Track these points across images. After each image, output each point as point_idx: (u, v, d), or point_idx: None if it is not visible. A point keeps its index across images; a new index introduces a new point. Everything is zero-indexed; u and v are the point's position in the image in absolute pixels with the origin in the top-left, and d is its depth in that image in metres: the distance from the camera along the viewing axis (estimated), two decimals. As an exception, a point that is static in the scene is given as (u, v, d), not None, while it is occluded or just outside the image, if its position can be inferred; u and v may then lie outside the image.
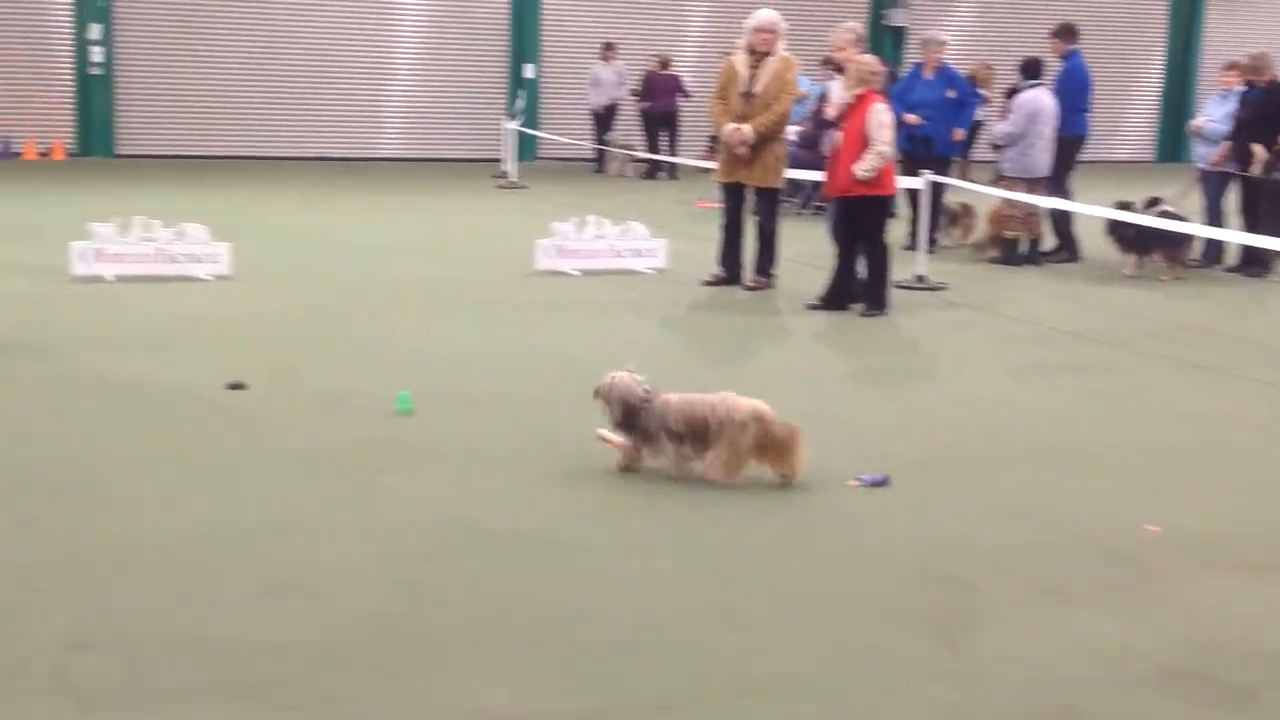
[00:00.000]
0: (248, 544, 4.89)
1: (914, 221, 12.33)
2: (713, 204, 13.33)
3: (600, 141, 22.92)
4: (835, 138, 10.10)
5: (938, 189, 12.19)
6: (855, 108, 9.85)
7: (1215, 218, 13.05)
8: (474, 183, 20.03)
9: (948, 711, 3.78)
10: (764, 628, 4.30)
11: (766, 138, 10.62)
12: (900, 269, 10.79)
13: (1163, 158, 29.08)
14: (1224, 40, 28.20)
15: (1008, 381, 8.03)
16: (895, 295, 10.26)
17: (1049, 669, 4.05)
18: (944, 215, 13.66)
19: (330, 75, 23.92)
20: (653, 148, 22.15)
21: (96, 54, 22.34)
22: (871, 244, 9.99)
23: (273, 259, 11.63)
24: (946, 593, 4.62)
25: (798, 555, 4.97)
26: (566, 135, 22.16)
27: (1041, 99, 12.85)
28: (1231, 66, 13.48)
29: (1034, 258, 13.04)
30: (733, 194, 11.03)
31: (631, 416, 5.71)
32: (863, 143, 9.73)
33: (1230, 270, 12.92)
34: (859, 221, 9.99)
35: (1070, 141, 13.22)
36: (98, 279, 10.30)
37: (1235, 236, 11.33)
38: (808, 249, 12.10)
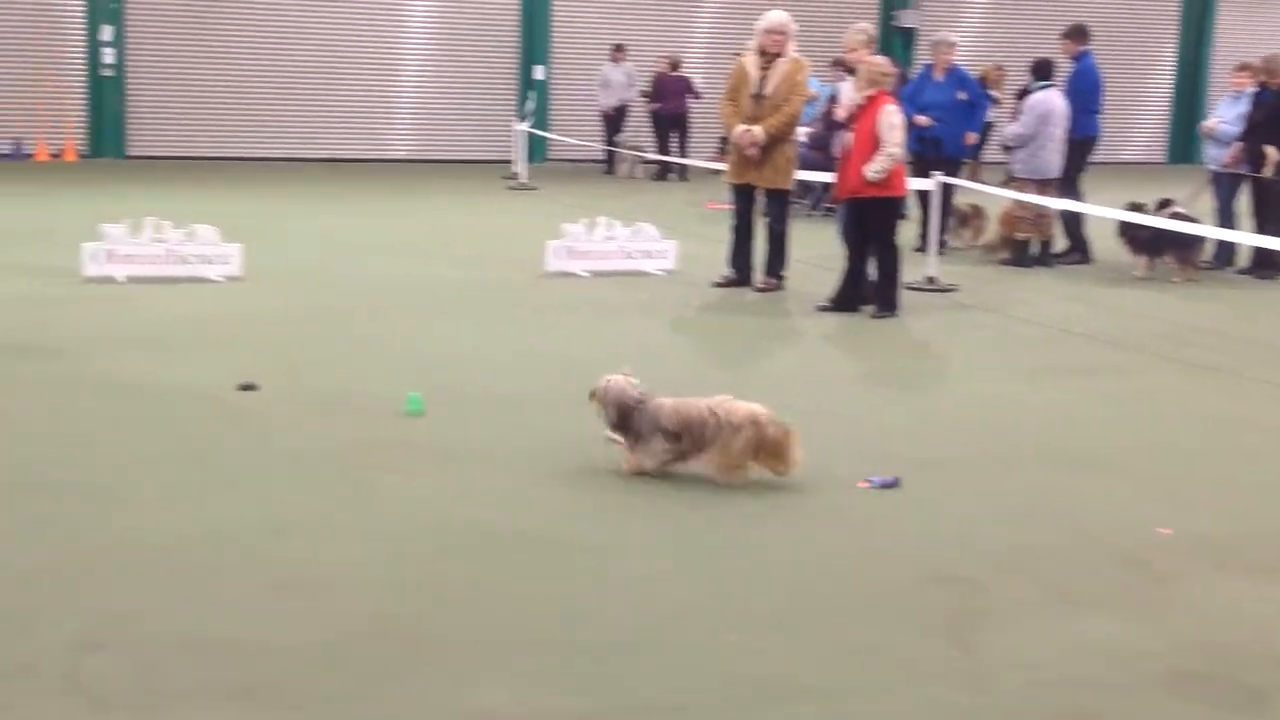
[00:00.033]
0: (253, 544, 4.90)
1: (924, 223, 12.31)
2: (723, 205, 13.33)
3: (610, 143, 22.92)
4: (846, 139, 10.09)
5: (948, 190, 12.18)
6: (866, 109, 9.84)
7: (1227, 219, 13.01)
8: (484, 184, 20.04)
9: (956, 713, 3.77)
10: (770, 628, 4.30)
11: (777, 139, 10.62)
12: (911, 270, 10.78)
13: (1174, 159, 29.01)
14: (1236, 41, 28.13)
15: (1018, 383, 8.01)
16: (906, 297, 10.25)
17: (1059, 671, 4.04)
18: (954, 217, 13.65)
19: (341, 76, 23.96)
20: (663, 149, 22.14)
21: (108, 55, 22.40)
22: (882, 245, 9.98)
23: (283, 260, 11.65)
24: (956, 594, 4.62)
25: (806, 556, 4.96)
26: (576, 137, 22.16)
27: (1052, 100, 12.83)
28: (1243, 68, 13.44)
29: (1045, 259, 13.02)
30: (743, 195, 11.03)
31: (626, 419, 5.74)
32: (873, 144, 9.72)
33: (1242, 272, 12.88)
34: (869, 223, 9.98)
35: (1081, 143, 13.20)
36: (109, 280, 10.32)
37: (1247, 238, 11.29)
38: (818, 251, 12.09)
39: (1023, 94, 14.37)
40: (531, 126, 21.19)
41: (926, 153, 12.93)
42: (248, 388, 7.08)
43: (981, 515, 5.47)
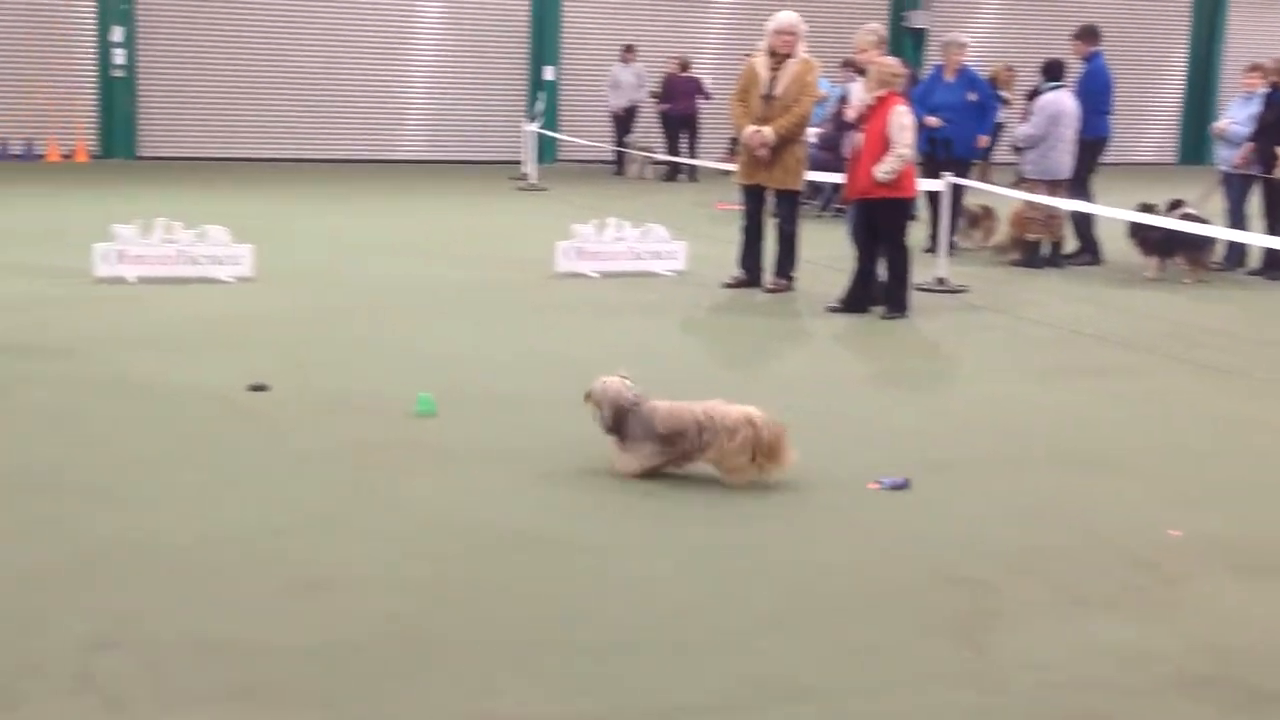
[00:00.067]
0: (262, 544, 4.91)
1: (934, 224, 12.30)
2: (733, 206, 13.34)
3: (620, 144, 22.93)
4: (856, 140, 10.09)
5: (958, 191, 12.16)
6: (876, 110, 9.83)
7: (1238, 220, 12.99)
8: (494, 185, 20.06)
9: (967, 714, 3.77)
10: (777, 629, 4.29)
11: (787, 140, 10.62)
12: (921, 271, 10.77)
13: (1185, 160, 28.96)
14: (1247, 42, 28.08)
15: (1029, 384, 8.00)
16: (916, 298, 10.24)
17: (1069, 672, 4.03)
18: (964, 217, 13.64)
19: (351, 77, 24.01)
20: (672, 150, 22.15)
21: (119, 56, 22.46)
22: (892, 246, 9.97)
23: (294, 261, 11.67)
24: (967, 595, 4.61)
25: (815, 556, 4.96)
26: (586, 137, 22.18)
27: (1063, 101, 12.81)
28: (1255, 68, 13.41)
29: (1055, 260, 13.00)
30: (753, 196, 11.03)
31: (620, 421, 5.75)
32: (883, 145, 9.71)
33: (1253, 273, 12.86)
34: (879, 224, 9.97)
35: (1092, 143, 13.18)
36: (120, 280, 10.35)
37: (1258, 239, 11.27)
38: (828, 251, 12.09)
39: (1033, 95, 14.34)
40: (541, 127, 21.20)
41: (936, 154, 12.91)
42: (258, 388, 7.10)
43: (992, 516, 5.46)
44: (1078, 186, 13.00)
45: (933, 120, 12.91)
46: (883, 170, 9.69)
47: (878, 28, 11.81)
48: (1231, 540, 5.27)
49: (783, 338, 9.57)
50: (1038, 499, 5.72)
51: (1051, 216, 12.65)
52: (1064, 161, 12.78)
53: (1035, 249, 12.90)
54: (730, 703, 3.79)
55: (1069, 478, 6.06)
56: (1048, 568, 4.89)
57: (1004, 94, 17.88)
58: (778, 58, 10.66)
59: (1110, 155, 14.19)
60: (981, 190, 12.83)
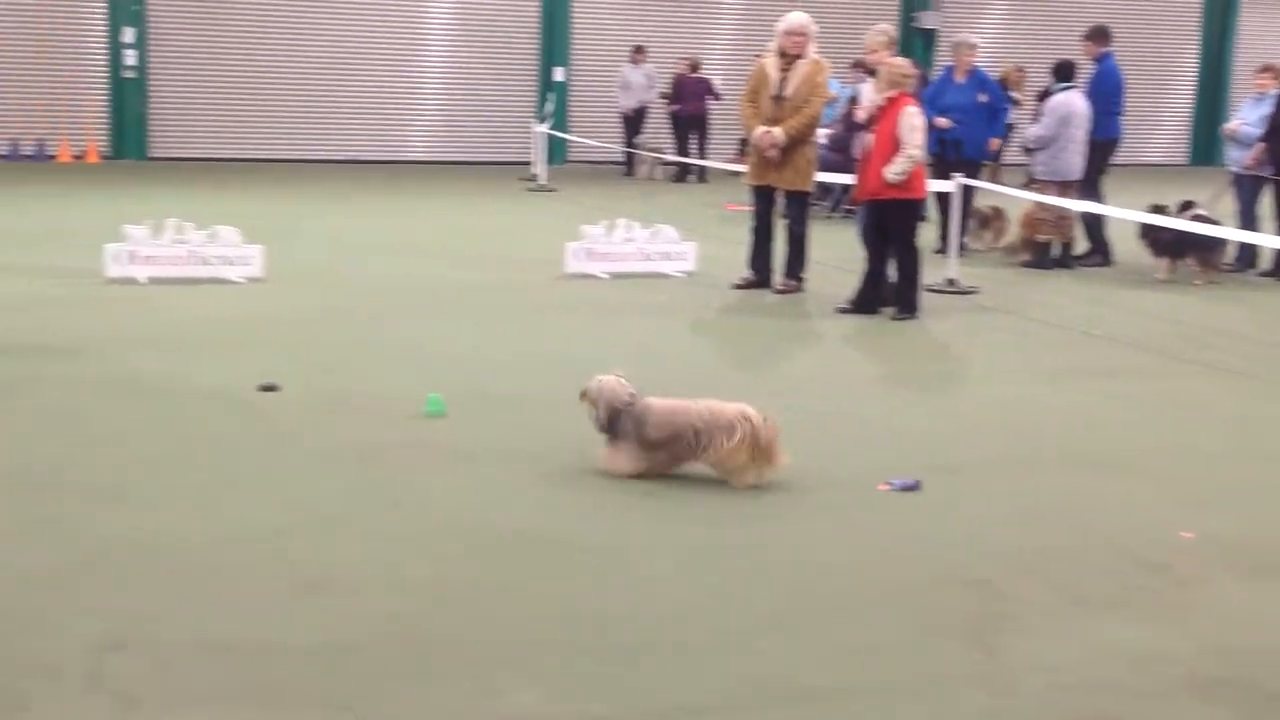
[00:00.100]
0: (271, 544, 4.92)
1: (944, 225, 12.28)
2: (742, 207, 13.33)
3: (630, 144, 22.93)
4: (866, 140, 10.08)
5: (968, 192, 12.14)
6: (887, 110, 9.82)
7: (1249, 222, 12.96)
8: (503, 186, 20.08)
9: (975, 717, 3.76)
10: (784, 630, 4.28)
11: (797, 141, 10.61)
12: (931, 272, 10.76)
13: (1196, 161, 28.90)
14: (1258, 42, 28.03)
15: (1039, 385, 7.99)
16: (926, 299, 10.23)
17: (1080, 674, 4.02)
18: (975, 219, 13.62)
19: (361, 78, 24.04)
20: (682, 150, 22.15)
21: (130, 57, 22.52)
22: (902, 247, 9.96)
23: (304, 261, 11.69)
24: (977, 596, 4.60)
25: (823, 557, 4.95)
26: (596, 138, 22.19)
27: (1074, 102, 12.79)
28: (1266, 69, 13.38)
29: (1066, 261, 12.98)
30: (763, 197, 11.02)
31: (615, 419, 5.75)
32: (894, 146, 9.70)
33: (1264, 275, 12.82)
34: (889, 225, 9.96)
35: (1103, 144, 13.15)
36: (131, 281, 10.37)
37: (1269, 241, 11.23)
38: (838, 252, 12.08)
39: (1044, 95, 14.33)
40: (551, 128, 21.22)
41: (946, 155, 12.90)
42: (268, 388, 7.11)
43: (1001, 517, 5.45)
44: (1088, 187, 12.97)
45: (943, 121, 12.90)
46: (893, 171, 9.68)
47: (888, 28, 11.80)
48: (1243, 542, 5.25)
49: (792, 339, 9.57)
50: (1048, 500, 5.71)
51: (1062, 218, 12.62)
52: (1075, 162, 12.75)
53: (1046, 250, 12.88)
54: (731, 703, 3.79)
55: (1079, 479, 6.05)
56: (1058, 569, 4.87)
57: (1014, 95, 17.85)
58: (788, 58, 10.65)
59: (1121, 156, 14.16)
60: (992, 191, 12.81)
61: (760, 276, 11.04)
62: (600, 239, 11.60)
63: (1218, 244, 11.88)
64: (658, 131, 23.18)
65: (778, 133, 10.52)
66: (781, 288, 10.90)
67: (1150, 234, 12.14)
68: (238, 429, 6.46)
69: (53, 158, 22.12)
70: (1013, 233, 13.47)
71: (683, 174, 21.98)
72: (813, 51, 10.69)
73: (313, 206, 16.92)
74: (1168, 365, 8.74)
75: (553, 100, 23.48)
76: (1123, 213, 11.55)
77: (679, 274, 11.65)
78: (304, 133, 23.79)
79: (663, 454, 5.73)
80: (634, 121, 23.07)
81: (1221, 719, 3.81)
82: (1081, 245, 13.17)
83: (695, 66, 22.79)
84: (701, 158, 21.76)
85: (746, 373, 8.44)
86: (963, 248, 12.10)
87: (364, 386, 7.33)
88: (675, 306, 10.23)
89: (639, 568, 4.80)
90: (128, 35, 22.46)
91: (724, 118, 22.21)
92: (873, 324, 9.80)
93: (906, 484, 5.75)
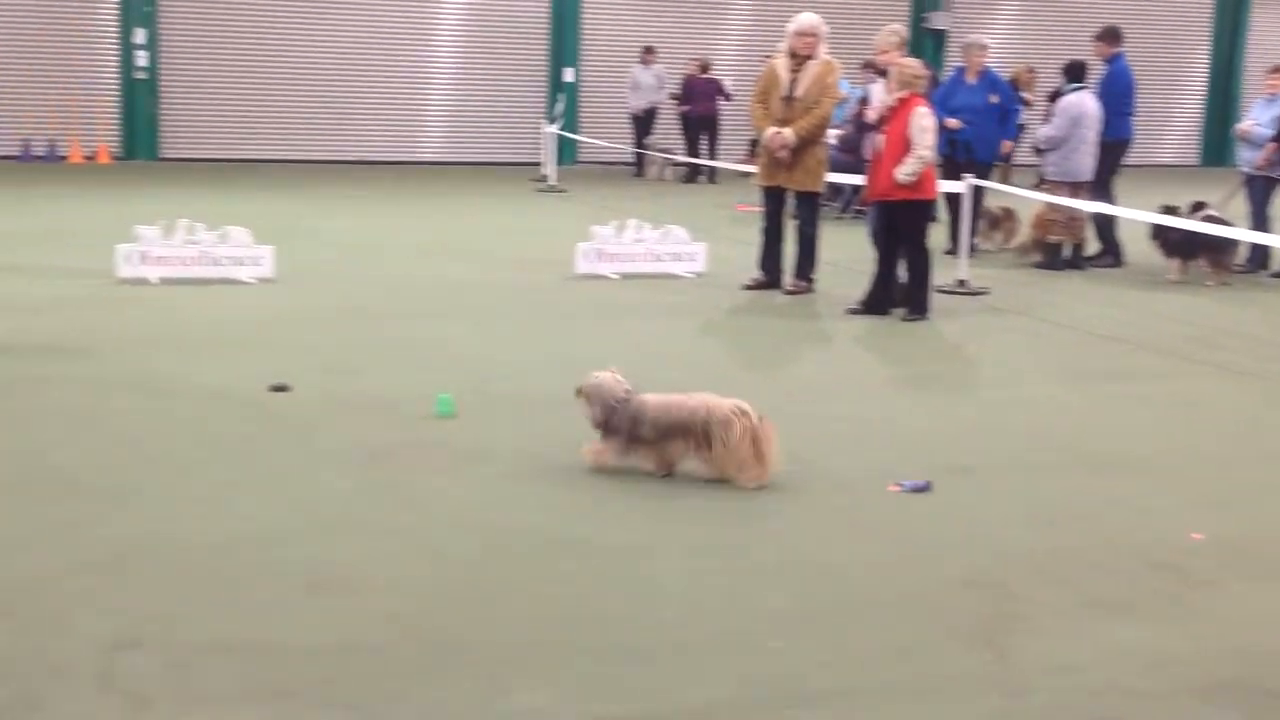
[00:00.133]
0: (283, 545, 4.92)
1: (955, 226, 12.27)
2: (753, 208, 13.32)
3: (640, 145, 22.94)
4: (876, 141, 10.07)
5: (979, 193, 12.13)
6: (897, 111, 9.81)
7: (1261, 222, 12.92)
8: (513, 186, 20.09)
9: (987, 718, 3.75)
10: (795, 631, 4.28)
11: (807, 141, 10.60)
12: (942, 273, 10.74)
13: (1207, 161, 28.84)
14: (1270, 43, 27.95)
15: (1050, 387, 7.98)
16: (936, 300, 10.22)
17: (1093, 676, 4.02)
18: (985, 219, 13.60)
19: (372, 79, 24.08)
20: (692, 151, 22.15)
21: (141, 58, 22.58)
22: (912, 248, 9.95)
23: (315, 262, 11.71)
24: (989, 598, 4.59)
25: (834, 559, 4.95)
26: (606, 139, 22.19)
27: (1085, 102, 12.77)
28: (1277, 70, 13.34)
29: (1077, 262, 12.96)
30: (773, 198, 11.02)
31: (609, 416, 5.75)
32: (904, 146, 9.69)
33: (1276, 275, 12.79)
34: (900, 226, 9.95)
35: (1114, 145, 13.14)
36: (142, 281, 10.40)
37: (1281, 241, 11.21)
38: (848, 253, 12.07)
39: (1055, 96, 14.31)
40: (561, 129, 21.23)
41: (957, 156, 12.88)
42: (279, 389, 7.12)
43: (1012, 519, 5.44)
44: (1099, 188, 12.95)
45: (953, 122, 12.88)
46: (904, 172, 9.67)
47: (899, 29, 11.79)
48: (1254, 544, 5.24)
49: (803, 340, 9.56)
50: (1059, 502, 5.70)
51: (1073, 218, 12.60)
52: (1086, 163, 12.74)
53: (1057, 251, 12.86)
54: (737, 705, 3.79)
55: (1090, 480, 6.04)
56: (1068, 571, 4.87)
57: (1025, 95, 17.83)
58: (798, 59, 10.64)
59: (1132, 157, 14.13)
60: (1003, 192, 12.80)
61: (770, 277, 11.03)
62: (610, 239, 11.61)
63: (1229, 245, 11.85)
64: (668, 132, 23.18)
65: (788, 133, 10.51)
66: (792, 289, 10.90)
67: (1161, 235, 12.11)
68: (248, 429, 6.47)
69: (64, 158, 22.18)
70: (1024, 234, 13.45)
71: (693, 175, 21.98)
72: (823, 52, 10.68)
73: (323, 207, 16.94)
74: (1179, 366, 8.72)
75: (563, 101, 23.49)
76: (1134, 213, 11.53)
77: (689, 275, 11.65)
78: (314, 134, 23.83)
79: (658, 450, 5.72)
80: (644, 122, 23.08)
81: (1233, 721, 3.81)
82: (1093, 246, 13.14)
83: (705, 67, 22.78)
84: (712, 158, 21.76)
85: (756, 373, 8.44)
86: (973, 249, 12.08)
87: (374, 387, 7.35)
88: (685, 307, 10.23)
89: (644, 568, 4.80)
90: (139, 36, 22.52)
91: (734, 118, 22.20)
92: (883, 325, 9.79)
93: (917, 485, 5.75)
